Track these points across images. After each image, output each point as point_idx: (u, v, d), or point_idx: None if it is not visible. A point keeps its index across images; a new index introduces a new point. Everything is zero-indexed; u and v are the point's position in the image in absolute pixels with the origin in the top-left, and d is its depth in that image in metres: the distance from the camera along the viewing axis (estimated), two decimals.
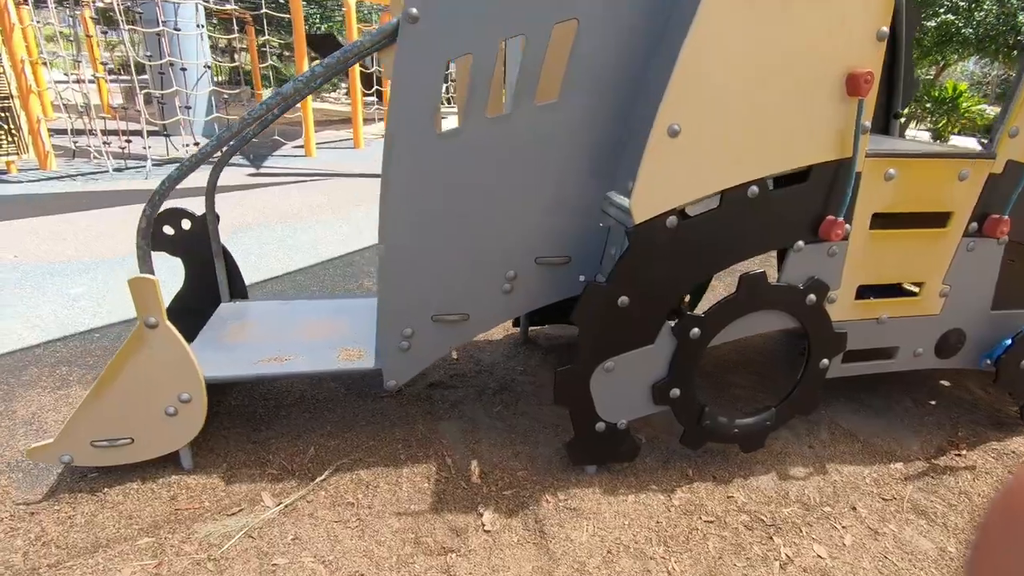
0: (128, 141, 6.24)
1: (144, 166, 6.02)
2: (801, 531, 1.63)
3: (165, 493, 1.64)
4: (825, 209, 1.57)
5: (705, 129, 1.40)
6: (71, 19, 7.42)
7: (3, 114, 5.31)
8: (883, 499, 1.77)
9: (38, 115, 5.59)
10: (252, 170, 6.44)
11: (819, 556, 1.56)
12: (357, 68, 7.67)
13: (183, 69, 6.82)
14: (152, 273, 1.52)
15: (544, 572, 1.46)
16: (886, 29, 1.40)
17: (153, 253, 1.57)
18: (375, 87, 10.40)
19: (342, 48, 1.44)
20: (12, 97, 5.34)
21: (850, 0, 1.37)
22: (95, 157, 6.14)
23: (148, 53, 7.33)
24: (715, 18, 1.31)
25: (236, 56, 14.42)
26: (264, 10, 7.29)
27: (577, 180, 1.63)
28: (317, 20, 17.73)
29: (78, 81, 6.08)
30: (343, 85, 15.88)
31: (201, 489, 1.66)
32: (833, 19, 1.37)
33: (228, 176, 1.96)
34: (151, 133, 6.41)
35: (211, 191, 2.01)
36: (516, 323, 2.66)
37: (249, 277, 2.28)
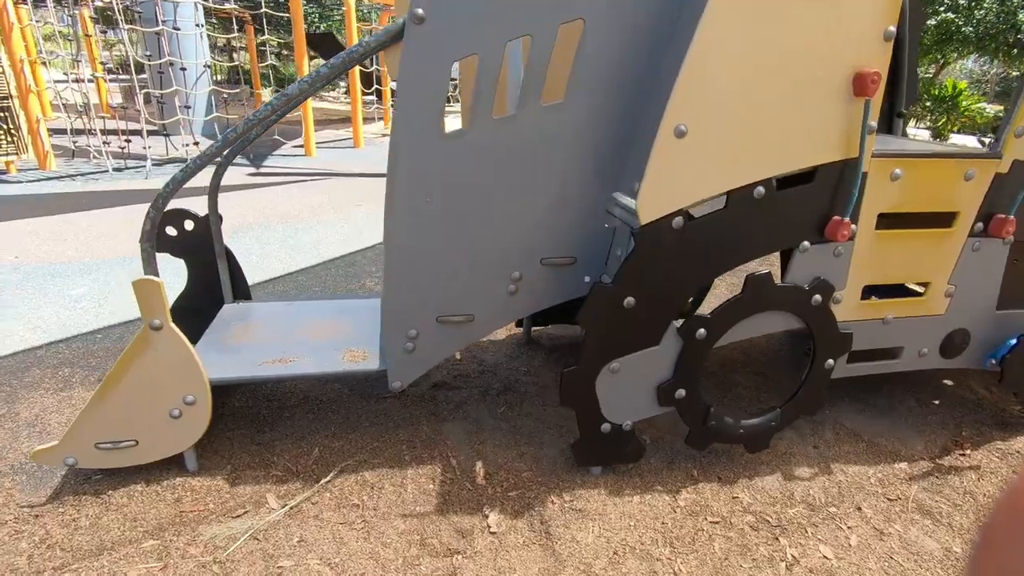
0: (128, 141, 6.23)
1: (144, 166, 6.01)
2: (807, 532, 1.63)
3: (170, 495, 1.64)
4: (831, 209, 1.57)
5: (712, 129, 1.39)
6: (70, 18, 7.40)
7: (2, 114, 5.29)
8: (888, 499, 1.77)
9: (37, 115, 5.58)
10: (252, 170, 6.43)
11: (825, 557, 1.56)
12: (357, 67, 7.65)
13: (182, 68, 6.81)
14: (156, 275, 1.51)
15: (550, 574, 1.46)
16: (893, 29, 1.40)
17: (156, 254, 1.56)
18: (375, 86, 10.39)
19: (348, 48, 1.44)
20: (11, 97, 5.33)
21: (857, 0, 1.36)
22: (95, 157, 6.13)
23: (147, 52, 7.32)
24: (722, 18, 1.31)
25: (235, 55, 14.40)
26: (264, 9, 7.27)
27: (582, 181, 1.63)
28: (316, 19, 17.70)
29: (77, 81, 6.07)
30: (342, 84, 15.85)
31: (206, 491, 1.66)
32: (840, 19, 1.37)
33: (228, 176, 1.96)
34: (151, 133, 6.39)
35: (214, 192, 2.01)
36: (519, 323, 2.65)
37: (251, 277, 2.28)
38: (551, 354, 2.55)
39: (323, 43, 12.29)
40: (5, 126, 5.34)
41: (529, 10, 1.40)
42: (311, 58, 9.83)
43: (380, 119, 11.25)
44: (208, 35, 8.19)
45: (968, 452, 2.00)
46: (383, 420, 2.02)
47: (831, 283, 1.65)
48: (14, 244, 3.67)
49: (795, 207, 1.55)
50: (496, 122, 1.51)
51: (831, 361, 1.75)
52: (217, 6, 7.90)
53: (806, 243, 1.59)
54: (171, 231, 1.95)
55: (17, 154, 5.50)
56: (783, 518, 1.68)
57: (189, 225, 1.98)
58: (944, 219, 1.72)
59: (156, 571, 1.41)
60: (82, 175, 5.68)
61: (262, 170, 6.46)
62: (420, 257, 1.61)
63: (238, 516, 1.58)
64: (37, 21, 6.53)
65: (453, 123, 1.56)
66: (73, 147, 6.27)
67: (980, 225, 1.73)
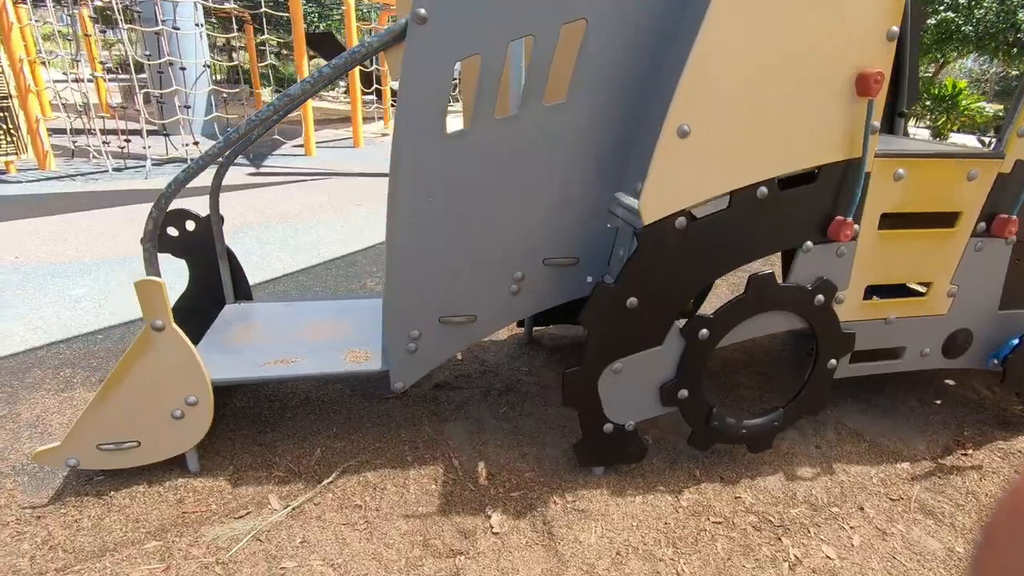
0: (127, 141, 6.22)
1: (144, 166, 6.00)
2: (809, 532, 1.63)
3: (172, 496, 1.64)
4: (834, 209, 1.57)
5: (715, 129, 1.39)
6: (69, 18, 7.39)
7: (2, 114, 5.28)
8: (890, 499, 1.77)
9: (37, 115, 5.57)
10: (252, 169, 6.43)
11: (828, 557, 1.56)
12: (357, 67, 7.64)
13: (182, 68, 6.80)
14: (158, 275, 1.51)
15: (553, 574, 1.46)
16: (896, 29, 1.40)
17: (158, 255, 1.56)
18: (374, 85, 10.38)
19: (350, 48, 1.43)
20: (11, 97, 5.32)
21: (860, 0, 1.36)
22: (94, 157, 6.12)
23: (147, 52, 7.31)
24: (725, 18, 1.31)
25: (235, 55, 14.38)
26: (263, 9, 7.26)
27: (585, 181, 1.63)
28: (316, 19, 17.69)
29: (77, 80, 6.06)
30: (342, 84, 15.84)
31: (208, 492, 1.66)
32: (843, 19, 1.36)
33: (228, 175, 1.96)
34: (150, 132, 6.39)
35: (215, 192, 2.00)
36: (520, 323, 2.65)
37: (251, 278, 2.28)
38: (553, 354, 2.55)
39: (323, 43, 12.28)
40: (5, 126, 5.33)
41: (531, 10, 1.40)
42: (310, 58, 9.83)
43: (380, 119, 11.24)
44: (207, 35, 8.17)
45: (970, 452, 2.00)
46: (385, 421, 2.02)
47: (834, 283, 1.65)
48: (14, 244, 3.67)
49: (798, 207, 1.55)
50: (498, 122, 1.51)
51: (834, 361, 1.75)
52: (217, 6, 7.90)
53: (809, 243, 1.59)
54: (172, 231, 1.95)
55: (17, 154, 5.49)
56: (786, 518, 1.67)
57: (190, 225, 1.98)
58: (947, 219, 1.72)
59: (158, 572, 1.41)
60: (82, 175, 5.68)
61: (262, 170, 6.46)
62: (422, 257, 1.61)
63: (240, 517, 1.58)
64: (36, 21, 6.52)
65: (453, 123, 1.55)
66: (73, 147, 6.26)
67: (983, 225, 1.73)
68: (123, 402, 1.56)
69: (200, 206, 2.01)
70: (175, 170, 6.13)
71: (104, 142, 6.05)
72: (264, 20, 8.00)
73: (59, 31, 6.86)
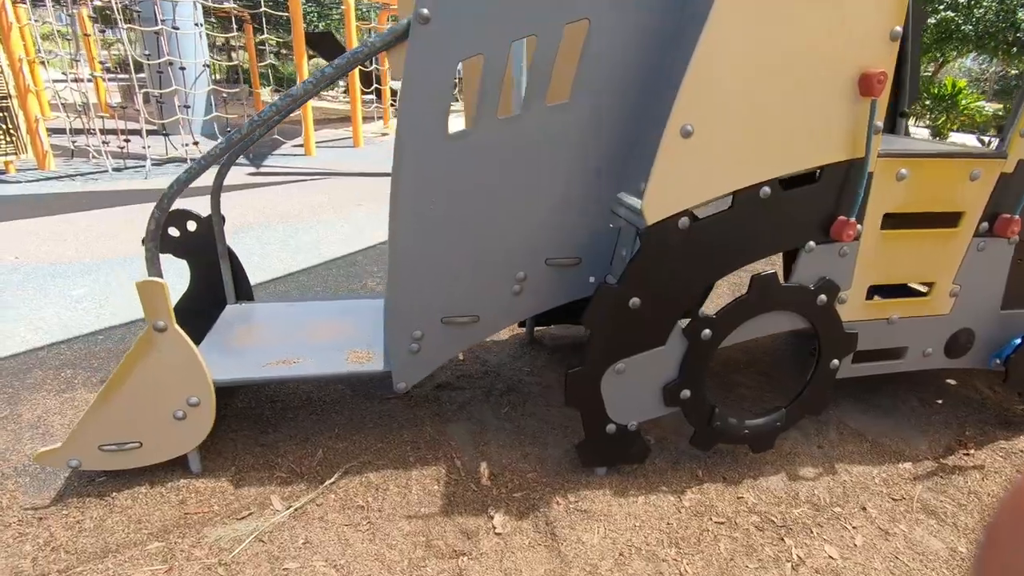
0: (127, 140, 6.21)
1: (144, 166, 6.00)
2: (812, 532, 1.63)
3: (174, 497, 1.63)
4: (837, 209, 1.57)
5: (718, 129, 1.39)
6: (68, 18, 7.37)
7: (1, 114, 5.27)
8: (893, 499, 1.77)
9: (36, 115, 5.56)
10: (252, 169, 6.42)
11: (830, 557, 1.55)
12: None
13: (182, 68, 6.78)
14: (160, 276, 1.51)
15: (556, 575, 1.46)
16: (900, 29, 1.40)
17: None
18: (374, 85, 10.37)
19: (353, 48, 1.43)
20: (10, 97, 5.31)
21: (863, 1, 1.36)
22: (94, 157, 6.11)
23: (147, 52, 7.29)
24: (729, 19, 1.30)
25: (234, 54, 14.37)
26: (263, 8, 7.25)
27: (587, 181, 1.62)
28: (315, 18, 17.67)
29: (76, 80, 6.05)
30: (341, 83, 15.83)
31: (210, 493, 1.66)
32: (847, 20, 1.36)
33: (228, 175, 1.96)
34: (150, 132, 6.38)
35: (216, 192, 2.00)
36: (522, 323, 2.65)
37: (252, 278, 2.27)
38: (554, 354, 2.55)
39: (322, 42, 12.27)
40: (4, 126, 5.32)
41: (534, 10, 1.40)
42: (310, 57, 9.82)
43: (379, 118, 11.23)
44: (207, 34, 8.16)
45: (972, 452, 2.00)
46: (387, 421, 2.02)
47: (836, 283, 1.65)
48: (14, 244, 3.66)
49: (801, 207, 1.55)
50: (501, 122, 1.50)
51: (836, 361, 1.75)
52: (216, 5, 7.89)
53: (812, 243, 1.59)
54: (174, 232, 1.95)
55: (16, 154, 5.49)
56: (788, 518, 1.67)
57: (192, 226, 1.97)
58: (949, 219, 1.72)
59: (161, 573, 1.40)
60: (81, 175, 5.67)
61: (262, 169, 6.45)
62: (425, 258, 1.60)
63: (243, 518, 1.58)
64: (36, 20, 6.51)
65: (454, 123, 1.55)
66: (72, 147, 6.25)
67: (985, 225, 1.73)
68: (125, 403, 1.56)
69: (200, 206, 2.01)
70: (175, 170, 6.13)
71: (104, 142, 6.04)
72: (264, 19, 7.99)
73: (58, 31, 6.84)
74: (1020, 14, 9.03)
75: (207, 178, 2.00)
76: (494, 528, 1.59)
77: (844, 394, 2.27)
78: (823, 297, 1.65)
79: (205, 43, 7.90)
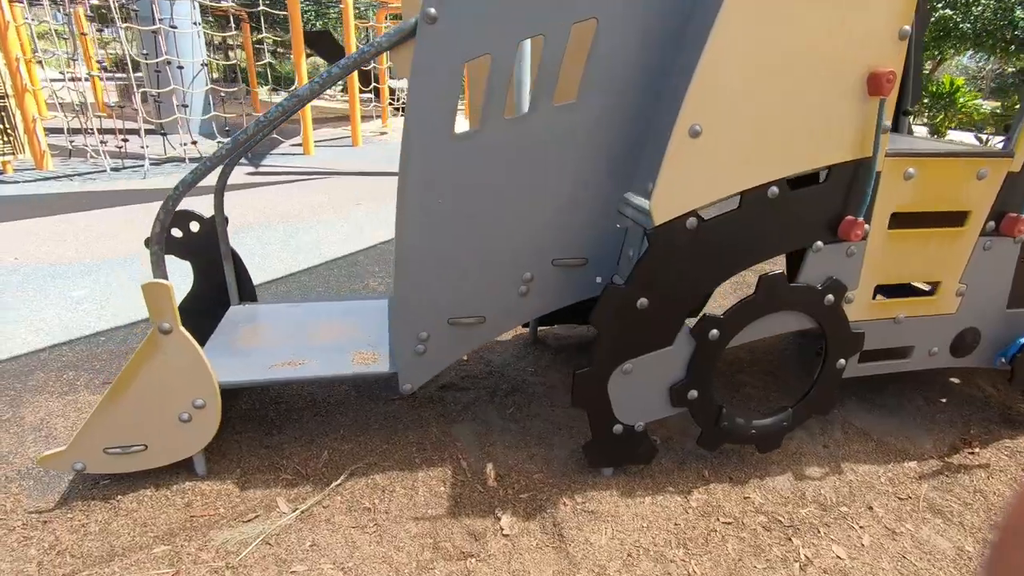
0: (125, 140, 6.19)
1: (142, 165, 5.97)
2: (819, 532, 1.63)
3: (180, 500, 1.62)
4: (845, 209, 1.56)
5: (727, 130, 1.39)
6: (65, 17, 7.33)
7: None
8: (899, 498, 1.77)
9: (33, 114, 5.53)
10: (251, 169, 6.40)
11: (838, 557, 1.55)
12: None
13: (180, 67, 6.76)
14: (166, 278, 1.50)
15: None
16: (908, 28, 1.39)
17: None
18: (372, 84, 10.34)
19: (360, 47, 1.42)
20: (7, 96, 5.28)
21: (872, 0, 1.35)
22: (92, 156, 6.09)
23: (144, 51, 7.26)
24: (737, 19, 1.30)
25: (231, 53, 14.32)
26: (261, 7, 7.22)
27: (594, 181, 1.62)
28: (312, 17, 17.62)
29: (74, 79, 6.02)
30: (340, 82, 15.79)
31: (216, 495, 1.65)
32: (855, 19, 1.36)
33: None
34: (148, 132, 6.35)
35: (220, 193, 1.99)
36: (525, 323, 2.64)
37: (253, 278, 2.26)
38: (558, 354, 2.54)
39: (319, 41, 12.24)
40: (1, 126, 5.29)
41: (542, 9, 1.39)
42: (307, 56, 9.78)
43: (378, 117, 11.21)
44: (204, 33, 8.13)
45: (977, 450, 2.00)
46: (392, 422, 2.01)
47: (844, 283, 1.65)
48: (13, 245, 3.64)
49: (809, 207, 1.54)
50: (508, 122, 1.50)
51: (843, 361, 1.75)
52: (214, 4, 7.85)
53: (819, 243, 1.59)
54: (177, 233, 1.93)
55: (13, 154, 5.46)
56: (795, 518, 1.67)
57: (195, 227, 1.96)
58: (956, 218, 1.71)
59: None
60: (79, 175, 5.64)
61: (261, 169, 6.43)
62: (431, 258, 1.60)
63: (249, 520, 1.57)
64: (32, 19, 6.47)
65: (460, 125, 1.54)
66: (70, 147, 6.22)
67: (992, 224, 1.73)
68: (130, 405, 1.55)
69: (200, 206, 2.00)
70: (173, 170, 6.11)
71: (102, 141, 6.02)
72: (261, 18, 7.96)
73: (55, 29, 6.80)
74: (1018, 12, 9.05)
75: (209, 178, 1.99)
76: (501, 529, 1.58)
77: (849, 393, 2.27)
78: (830, 297, 1.64)
79: (203, 42, 7.86)
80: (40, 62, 6.74)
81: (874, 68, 1.40)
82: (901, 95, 2.27)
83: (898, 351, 1.86)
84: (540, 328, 2.67)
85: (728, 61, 1.33)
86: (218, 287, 2.10)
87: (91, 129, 6.04)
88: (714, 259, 1.54)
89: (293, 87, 9.26)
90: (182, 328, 1.51)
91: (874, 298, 1.75)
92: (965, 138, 9.11)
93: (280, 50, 16.12)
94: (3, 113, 5.27)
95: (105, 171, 5.78)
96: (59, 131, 6.50)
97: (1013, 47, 9.63)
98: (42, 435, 1.87)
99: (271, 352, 1.82)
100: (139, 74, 7.39)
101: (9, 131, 5.34)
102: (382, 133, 9.81)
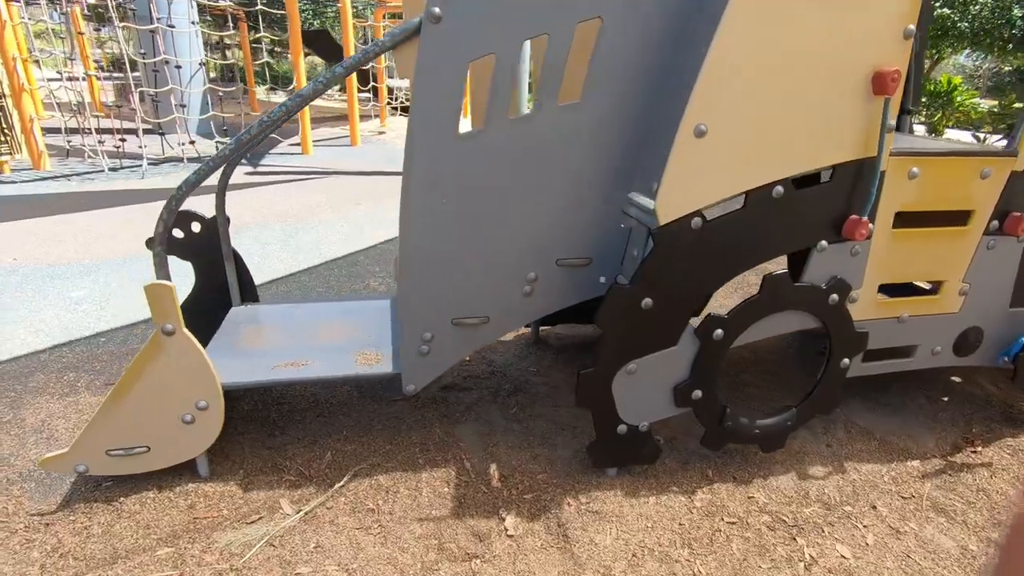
0: (123, 140, 6.16)
1: (140, 165, 5.95)
2: (823, 531, 1.63)
3: (183, 502, 1.62)
4: (849, 208, 1.56)
5: (732, 129, 1.38)
6: (62, 16, 7.30)
7: None
8: (902, 497, 1.77)
9: (31, 114, 5.50)
10: (249, 168, 6.38)
11: (843, 556, 1.55)
12: None
13: (177, 67, 6.73)
14: (169, 279, 1.49)
15: None
16: (913, 27, 1.39)
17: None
18: (371, 83, 10.32)
19: (365, 47, 1.41)
20: (4, 96, 5.25)
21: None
22: (89, 156, 6.06)
23: (142, 50, 7.23)
24: (742, 18, 1.30)
25: (229, 53, 14.28)
26: (259, 6, 7.20)
27: (598, 181, 1.61)
28: (310, 16, 17.58)
29: (71, 79, 5.99)
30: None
31: (219, 497, 1.64)
32: (860, 18, 1.36)
33: None
34: (146, 131, 6.33)
35: (221, 193, 1.98)
36: (527, 323, 2.64)
37: (253, 278, 2.25)
38: (560, 354, 2.54)
39: (317, 40, 12.21)
40: None
41: (546, 9, 1.39)
42: (305, 55, 9.74)
43: (376, 116, 11.18)
44: (202, 32, 8.10)
45: (979, 449, 2.00)
46: (395, 423, 2.01)
47: (848, 282, 1.65)
48: (12, 245, 3.63)
49: (813, 206, 1.54)
50: (512, 122, 1.49)
51: (847, 360, 1.75)
52: (212, 3, 7.82)
53: (824, 242, 1.59)
54: (178, 233, 1.93)
55: (11, 154, 5.43)
56: (799, 518, 1.67)
57: (196, 227, 1.95)
58: (960, 217, 1.72)
59: None
60: (77, 175, 5.61)
61: (259, 169, 6.41)
62: (435, 259, 1.59)
63: (253, 522, 1.56)
64: (28, 19, 6.44)
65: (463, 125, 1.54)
66: (68, 147, 6.19)
67: (995, 223, 1.73)
68: (133, 407, 1.54)
69: (199, 206, 1.98)
70: (171, 169, 6.08)
71: (99, 141, 5.99)
72: (259, 17, 7.94)
73: (52, 29, 6.77)
74: (1016, 11, 9.08)
75: (210, 178, 1.98)
76: (506, 530, 1.58)
77: (851, 392, 2.27)
78: (835, 296, 1.64)
79: (200, 41, 7.83)
80: (37, 61, 6.71)
81: (879, 67, 1.40)
82: (903, 94, 2.27)
83: (902, 350, 1.86)
84: (542, 328, 2.67)
85: (733, 61, 1.33)
86: (219, 288, 2.09)
87: (88, 129, 6.01)
88: (719, 259, 1.54)
89: (291, 87, 9.23)
90: (185, 330, 1.51)
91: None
92: (962, 137, 9.13)
93: (278, 49, 16.08)
94: (0, 113, 5.24)
95: (103, 171, 5.75)
96: (56, 131, 6.46)
97: (1011, 45, 9.65)
98: (43, 437, 1.86)
99: (274, 353, 1.82)
100: (136, 74, 7.36)
101: (6, 131, 5.31)
102: (380, 133, 9.79)
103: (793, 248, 1.64)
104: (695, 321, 1.60)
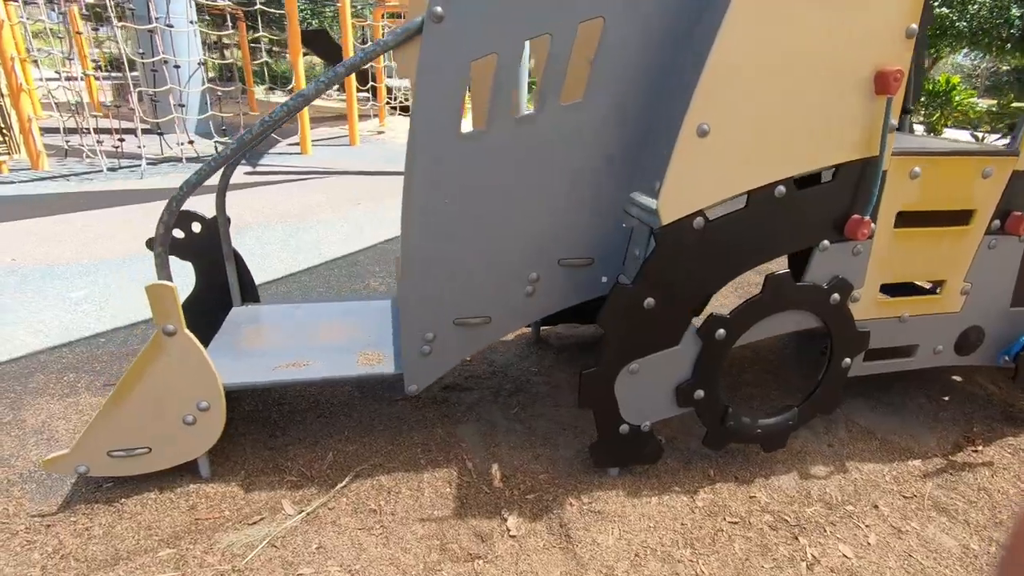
0: (121, 140, 6.15)
1: (139, 165, 5.94)
2: (825, 531, 1.63)
3: (184, 503, 1.61)
4: (851, 208, 1.56)
5: (735, 129, 1.38)
6: (60, 16, 7.28)
7: None
8: (904, 497, 1.77)
9: (29, 114, 5.49)
10: (248, 168, 6.37)
11: (845, 556, 1.55)
12: None
13: (176, 66, 6.72)
14: (170, 279, 1.49)
15: None
16: (915, 27, 1.39)
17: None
18: (370, 83, 10.31)
19: (366, 46, 1.41)
20: (2, 96, 5.24)
21: None
22: (88, 156, 6.05)
23: (140, 50, 7.22)
24: (745, 17, 1.29)
25: (227, 52, 14.26)
26: (258, 5, 7.19)
27: (600, 180, 1.61)
28: (308, 15, 17.56)
29: (69, 79, 5.97)
30: None
31: (220, 498, 1.64)
32: (862, 18, 1.36)
33: None
34: (144, 131, 6.31)
35: (222, 193, 1.97)
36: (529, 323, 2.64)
37: (253, 278, 2.24)
38: (561, 354, 2.54)
39: (316, 40, 12.19)
40: None
41: (549, 8, 1.38)
42: (304, 55, 9.72)
43: (375, 116, 11.17)
44: (200, 31, 8.08)
45: (980, 448, 2.01)
46: (396, 423, 2.00)
47: (850, 282, 1.65)
48: (11, 246, 3.62)
49: (816, 206, 1.54)
50: (515, 122, 1.49)
51: (848, 360, 1.75)
52: (210, 3, 7.80)
53: (826, 242, 1.59)
54: (178, 233, 1.92)
55: (9, 154, 5.42)
56: (801, 517, 1.67)
57: (197, 227, 1.95)
58: (961, 217, 1.72)
59: None
60: (76, 175, 5.60)
61: (259, 168, 6.40)
62: (437, 259, 1.59)
63: (254, 523, 1.56)
64: (27, 18, 6.42)
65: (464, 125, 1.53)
66: (66, 147, 6.18)
67: (997, 223, 1.73)
68: (134, 408, 1.54)
69: (199, 206, 1.98)
70: (170, 169, 6.07)
71: (98, 141, 5.98)
72: (258, 17, 7.93)
73: (50, 28, 6.75)
74: (1014, 10, 9.09)
75: (211, 178, 1.98)
76: (508, 530, 1.58)
77: (852, 392, 2.27)
78: (836, 296, 1.64)
79: (199, 41, 7.82)
80: (35, 61, 6.69)
81: (881, 67, 1.40)
82: (904, 94, 2.27)
83: (903, 350, 1.86)
84: (543, 328, 2.67)
85: (736, 60, 1.32)
86: (220, 288, 2.08)
87: (87, 129, 5.99)
88: (721, 259, 1.54)
89: (290, 86, 9.21)
90: (187, 330, 1.50)
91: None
92: (960, 136, 9.14)
93: (276, 49, 16.07)
94: None
95: (102, 171, 5.74)
96: (55, 131, 6.45)
97: (1009, 45, 9.66)
98: (44, 438, 1.86)
99: (275, 353, 1.81)
100: (135, 73, 7.34)
101: (4, 131, 5.30)
102: (379, 132, 9.78)
103: (795, 248, 1.64)
104: (697, 321, 1.60)
